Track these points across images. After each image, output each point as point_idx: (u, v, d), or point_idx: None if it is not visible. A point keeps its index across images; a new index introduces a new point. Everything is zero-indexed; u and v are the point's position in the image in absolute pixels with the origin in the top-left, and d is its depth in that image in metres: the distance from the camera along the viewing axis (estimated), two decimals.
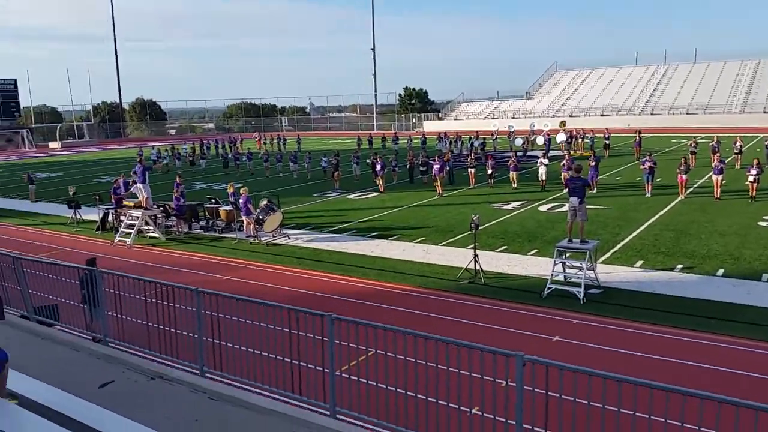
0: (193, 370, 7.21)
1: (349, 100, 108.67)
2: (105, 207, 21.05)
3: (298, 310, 6.39)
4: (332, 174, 29.39)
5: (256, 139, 58.39)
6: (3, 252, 10.57)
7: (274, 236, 18.19)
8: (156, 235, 18.94)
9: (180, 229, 19.54)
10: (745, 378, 8.33)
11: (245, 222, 18.18)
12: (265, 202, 18.55)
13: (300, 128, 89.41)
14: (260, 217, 17.87)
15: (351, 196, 25.99)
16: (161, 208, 19.69)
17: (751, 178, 20.80)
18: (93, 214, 21.90)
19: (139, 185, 19.38)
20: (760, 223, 17.39)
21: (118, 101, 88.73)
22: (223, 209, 19.82)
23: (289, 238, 18.13)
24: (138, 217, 18.67)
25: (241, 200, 18.17)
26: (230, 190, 20.06)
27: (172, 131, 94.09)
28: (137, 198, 20.11)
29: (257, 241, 17.76)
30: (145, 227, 19.08)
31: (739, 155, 29.35)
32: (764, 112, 59.17)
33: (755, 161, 21.25)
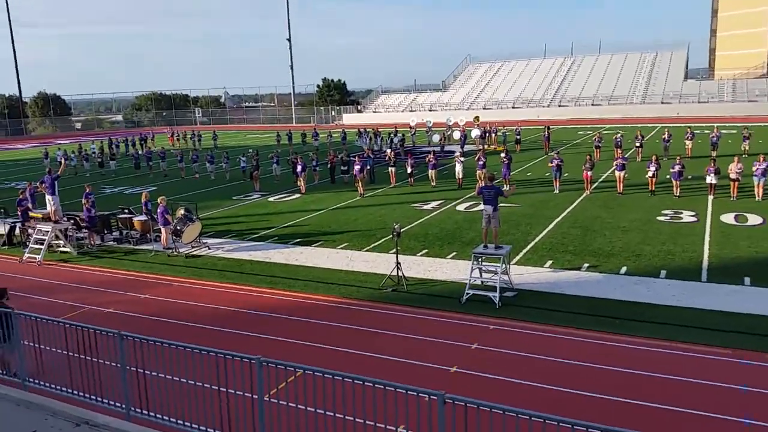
0: (120, 412, 7.13)
1: (266, 90, 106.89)
2: (11, 221, 19.93)
3: (226, 355, 6.42)
4: (251, 174, 29.04)
5: (169, 135, 56.58)
6: None
7: (193, 247, 17.88)
8: (68, 249, 18.17)
9: (92, 242, 18.80)
10: (647, 379, 9.10)
11: (163, 233, 17.76)
12: (182, 212, 18.17)
13: (215, 120, 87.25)
14: (178, 227, 17.51)
15: (272, 198, 25.82)
16: (72, 221, 18.87)
17: (650, 174, 22.35)
18: None
19: (48, 197, 18.48)
20: (659, 218, 18.76)
21: (18, 95, 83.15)
22: (138, 219, 19.24)
23: (209, 249, 17.87)
24: (48, 232, 17.82)
25: (158, 210, 17.72)
26: (144, 199, 19.49)
27: (78, 125, 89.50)
28: (45, 209, 19.17)
29: (175, 253, 17.40)
30: (56, 242, 18.25)
31: (641, 148, 31.37)
32: (662, 103, 63.21)
33: (654, 157, 22.84)
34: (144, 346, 6.98)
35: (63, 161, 25.33)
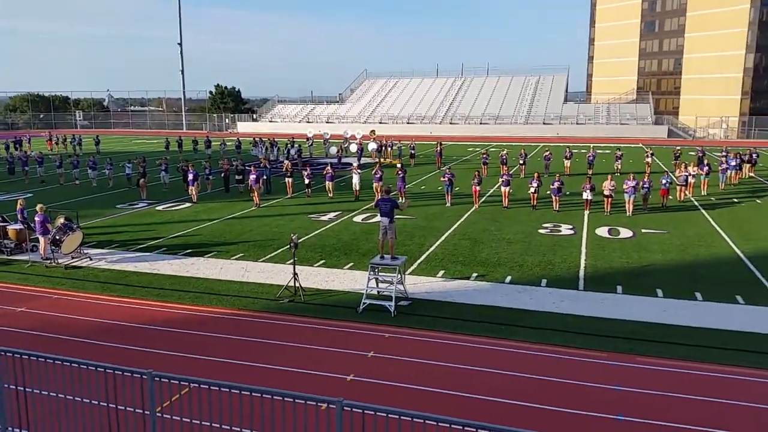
0: None
1: (153, 94, 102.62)
2: None
3: (115, 370, 6.16)
4: (138, 182, 27.79)
5: (47, 139, 52.89)
6: None
7: (73, 258, 16.83)
8: None
9: None
10: (531, 381, 9.71)
11: (41, 242, 16.60)
12: (62, 220, 17.09)
13: (98, 124, 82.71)
14: (57, 237, 16.44)
15: (160, 208, 24.84)
16: None
17: (532, 190, 23.78)
18: None
19: None
20: (540, 231, 20.00)
21: None
22: (12, 228, 17.84)
23: (91, 259, 16.90)
24: None
25: (36, 218, 16.57)
26: (20, 206, 18.14)
27: None
28: None
29: (54, 263, 16.31)
30: None
31: (524, 166, 33.34)
32: (544, 123, 67.37)
33: (536, 174, 24.32)
34: (23, 362, 6.54)
35: None
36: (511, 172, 26.83)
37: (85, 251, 17.31)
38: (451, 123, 70.86)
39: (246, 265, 16.32)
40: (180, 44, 79.27)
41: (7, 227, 17.90)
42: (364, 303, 12.87)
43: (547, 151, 35.20)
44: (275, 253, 17.47)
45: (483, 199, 25.31)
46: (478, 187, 24.27)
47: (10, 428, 6.64)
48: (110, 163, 31.61)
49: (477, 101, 75.51)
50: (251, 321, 12.42)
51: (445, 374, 9.93)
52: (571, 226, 20.67)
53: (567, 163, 33.92)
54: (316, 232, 20.15)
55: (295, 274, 13.79)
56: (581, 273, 15.39)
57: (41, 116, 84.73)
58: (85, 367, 6.38)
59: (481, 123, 70.02)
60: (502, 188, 24.31)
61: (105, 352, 10.69)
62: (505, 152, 33.92)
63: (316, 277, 15.15)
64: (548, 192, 24.31)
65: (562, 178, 24.44)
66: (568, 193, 25.79)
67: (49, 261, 16.40)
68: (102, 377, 6.35)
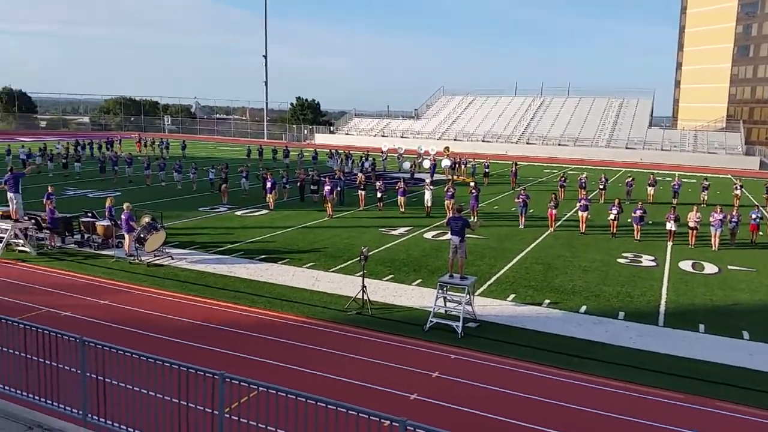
0: (76, 417, 6.97)
1: (238, 103, 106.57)
2: None
3: (189, 368, 6.37)
4: (220, 187, 28.82)
5: (136, 141, 55.80)
6: None
7: (155, 256, 17.60)
8: (27, 249, 17.69)
9: (53, 244, 18.38)
10: (600, 418, 9.31)
11: (126, 239, 17.46)
12: (147, 219, 17.92)
13: (184, 130, 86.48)
14: (142, 235, 17.24)
15: (239, 213, 25.65)
16: (33, 221, 18.41)
17: (612, 216, 22.98)
18: None
19: (11, 195, 18.02)
20: (619, 260, 19.27)
21: None
22: (101, 224, 18.87)
23: (172, 259, 17.63)
24: (7, 230, 17.34)
25: (123, 216, 17.45)
26: (108, 204, 19.16)
27: (43, 124, 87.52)
28: (6, 207, 18.68)
29: (137, 260, 17.11)
30: (15, 240, 17.76)
31: (604, 191, 32.29)
32: (626, 148, 65.15)
33: (616, 201, 23.49)
34: (105, 354, 6.87)
35: (28, 161, 24.79)
36: (590, 197, 26.05)
37: (167, 250, 18.06)
38: (527, 143, 69.72)
39: (317, 274, 16.56)
40: (265, 57, 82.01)
41: (96, 223, 18.95)
42: (431, 321, 12.77)
43: (629, 176, 34.03)
44: (345, 264, 17.64)
45: (559, 223, 24.68)
46: (554, 211, 23.70)
47: (90, 415, 6.97)
48: (194, 168, 32.99)
49: (556, 122, 73.98)
50: (319, 330, 12.56)
51: (510, 402, 9.68)
52: (652, 258, 19.81)
53: (650, 190, 32.58)
54: (386, 246, 20.22)
55: (363, 286, 13.87)
56: (662, 308, 14.69)
57: (132, 119, 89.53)
58: (161, 363, 6.63)
59: (559, 144, 68.52)
60: (580, 213, 23.63)
61: (179, 349, 11.07)
62: (584, 176, 33.02)
63: (384, 291, 15.18)
64: (629, 220, 23.41)
65: (644, 206, 23.50)
66: (650, 222, 24.77)
67: (132, 258, 17.22)
68: (176, 374, 6.57)
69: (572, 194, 31.67)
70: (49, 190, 19.39)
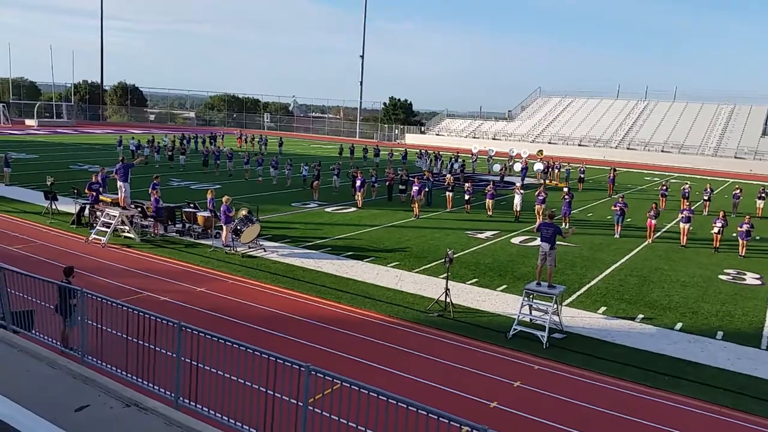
0: (168, 399, 7.41)
1: (333, 103, 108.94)
2: (82, 201, 20.96)
3: (277, 359, 6.61)
4: (312, 183, 29.60)
5: (237, 137, 58.28)
6: None
7: (250, 247, 18.34)
8: (131, 236, 18.95)
9: (156, 232, 19.57)
10: None
11: (224, 230, 18.31)
12: (244, 212, 18.70)
13: (282, 127, 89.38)
14: (238, 227, 18.01)
15: (329, 209, 26.23)
16: (139, 209, 19.68)
17: (716, 230, 21.61)
18: (69, 206, 21.79)
19: (120, 183, 19.37)
20: (721, 277, 18.11)
21: (99, 82, 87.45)
22: (201, 215, 19.89)
23: (264, 251, 18.30)
24: (115, 216, 18.65)
25: (222, 208, 18.30)
26: (209, 196, 20.14)
27: (152, 117, 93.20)
28: (116, 195, 20.10)
29: (233, 251, 17.90)
30: (121, 227, 19.07)
31: (708, 202, 30.41)
32: (735, 158, 61.04)
33: (721, 213, 22.08)
34: (200, 339, 7.24)
35: (137, 152, 26.50)
36: (692, 208, 24.60)
37: (261, 243, 18.78)
38: (628, 148, 66.74)
39: (400, 274, 16.67)
40: (362, 57, 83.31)
41: (197, 213, 19.98)
42: (514, 329, 12.54)
43: (737, 188, 31.82)
44: (429, 265, 17.64)
45: (658, 234, 23.48)
46: (654, 221, 22.57)
47: (181, 398, 7.38)
48: (290, 164, 34.06)
49: (660, 127, 70.37)
50: (402, 330, 12.65)
51: (595, 419, 9.34)
52: (758, 276, 18.46)
53: (760, 203, 30.34)
54: (472, 249, 20.03)
55: (447, 289, 13.82)
56: (765, 330, 13.67)
57: (234, 116, 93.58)
58: (251, 351, 6.92)
59: (662, 151, 65.14)
60: (681, 224, 22.36)
61: (268, 338, 11.50)
62: (687, 185, 31.26)
63: (468, 295, 15.05)
64: (734, 234, 21.91)
65: (752, 221, 21.93)
66: (758, 237, 23.10)
67: (228, 248, 18.03)
68: (265, 363, 6.83)
69: (674, 204, 30.08)
70: (155, 180, 20.66)
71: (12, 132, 60.42)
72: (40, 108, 75.67)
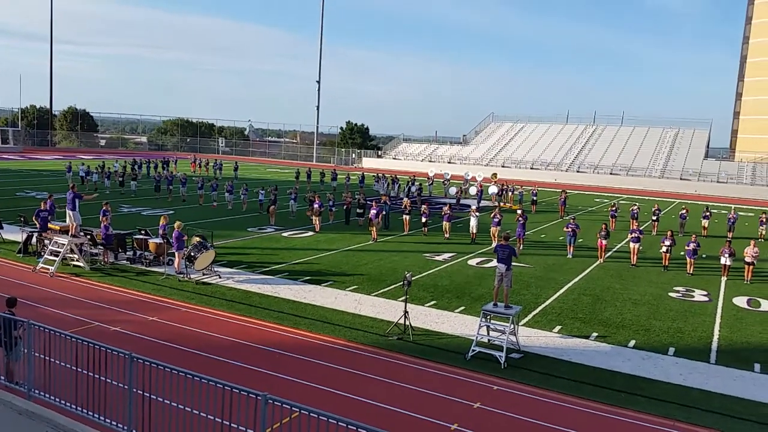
0: (121, 431, 7.14)
1: (290, 127, 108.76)
2: (29, 229, 20.22)
3: (233, 388, 6.46)
4: (268, 208, 29.33)
5: (191, 162, 57.47)
6: None
7: (204, 274, 17.98)
8: (81, 264, 18.35)
9: (106, 260, 19.01)
10: None
11: (177, 257, 17.92)
12: (198, 238, 18.36)
13: (237, 151, 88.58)
14: (192, 254, 17.66)
15: (286, 234, 26.00)
16: (88, 236, 19.11)
17: (664, 249, 22.30)
18: (16, 234, 21.00)
19: (69, 212, 18.78)
20: (671, 294, 18.65)
21: (48, 107, 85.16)
22: (153, 242, 19.43)
23: (219, 277, 17.96)
24: (64, 244, 18.05)
25: (174, 234, 17.93)
26: (162, 222, 19.70)
27: (103, 142, 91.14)
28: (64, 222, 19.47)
29: (187, 278, 17.52)
30: (70, 255, 18.45)
31: (657, 222, 31.42)
32: (680, 179, 63.42)
33: (669, 233, 22.82)
34: (153, 370, 7.02)
35: (86, 177, 25.74)
36: (641, 228, 25.37)
37: (216, 269, 18.43)
38: (578, 171, 68.58)
39: (359, 298, 16.59)
40: (318, 82, 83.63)
41: (149, 240, 19.52)
42: (473, 350, 12.59)
43: (683, 208, 33.05)
44: (388, 288, 17.62)
45: (609, 254, 24.08)
46: (604, 241, 23.16)
47: (134, 431, 7.12)
48: (245, 189, 33.70)
49: (608, 150, 72.65)
50: (361, 354, 12.54)
51: None
52: (705, 293, 19.09)
53: (705, 222, 31.55)
54: (430, 271, 20.12)
55: (406, 312, 13.81)
56: (714, 345, 14.11)
57: (188, 140, 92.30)
58: (205, 381, 6.74)
59: (611, 173, 67.19)
60: (631, 244, 23.00)
61: (224, 368, 11.23)
62: (636, 206, 32.28)
63: (426, 318, 15.08)
64: (682, 253, 22.66)
65: (698, 239, 22.75)
66: (704, 255, 23.93)
67: (182, 275, 17.64)
68: (220, 393, 6.67)
69: (623, 225, 30.95)
70: (105, 207, 20.12)
71: None
72: None
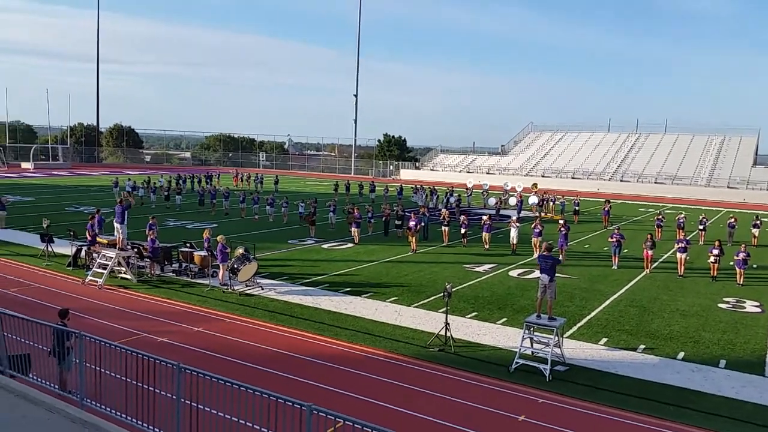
0: None
1: (328, 140, 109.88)
2: (79, 243, 20.90)
3: (278, 398, 6.52)
4: (308, 220, 29.62)
5: (233, 176, 58.53)
6: None
7: (247, 286, 18.25)
8: (128, 276, 18.84)
9: (152, 272, 19.48)
10: None
11: (221, 269, 18.25)
12: (241, 251, 18.66)
13: (277, 165, 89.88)
14: (235, 266, 17.95)
15: (326, 246, 26.20)
16: (135, 249, 19.63)
17: (712, 259, 21.65)
18: (66, 248, 21.72)
19: (117, 225, 19.35)
20: (720, 305, 18.07)
21: (95, 124, 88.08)
22: (198, 254, 19.82)
23: (262, 289, 18.20)
24: (112, 257, 18.58)
25: (218, 247, 18.29)
26: (206, 235, 20.12)
27: (148, 158, 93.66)
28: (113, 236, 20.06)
29: (230, 290, 17.81)
30: (118, 268, 18.97)
31: (704, 231, 30.55)
32: (728, 188, 61.55)
33: (717, 242, 22.15)
34: (200, 380, 7.16)
35: (131, 192, 26.43)
36: (688, 238, 24.69)
37: (258, 281, 18.69)
38: (621, 180, 67.26)
39: (399, 309, 16.58)
40: (356, 96, 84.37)
41: (194, 253, 19.92)
42: (516, 362, 12.43)
43: (731, 217, 32.04)
44: (428, 300, 17.56)
45: (655, 264, 23.50)
46: (650, 252, 22.61)
47: None
48: (286, 202, 34.15)
49: (652, 159, 71.09)
50: (402, 366, 12.51)
51: None
52: (757, 303, 18.43)
53: (755, 231, 30.51)
54: (470, 282, 19.98)
55: (446, 323, 13.74)
56: None
57: (230, 155, 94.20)
58: (251, 391, 6.84)
59: (655, 182, 65.68)
60: (678, 254, 22.40)
61: (268, 377, 11.36)
62: (682, 215, 31.43)
63: (467, 329, 14.95)
64: (731, 263, 21.96)
65: (748, 249, 22.01)
66: (755, 266, 23.14)
67: (226, 287, 17.94)
68: (265, 403, 6.74)
69: (669, 234, 30.17)
70: (151, 221, 20.63)
71: (8, 175, 60.59)
72: (36, 151, 76.00)
